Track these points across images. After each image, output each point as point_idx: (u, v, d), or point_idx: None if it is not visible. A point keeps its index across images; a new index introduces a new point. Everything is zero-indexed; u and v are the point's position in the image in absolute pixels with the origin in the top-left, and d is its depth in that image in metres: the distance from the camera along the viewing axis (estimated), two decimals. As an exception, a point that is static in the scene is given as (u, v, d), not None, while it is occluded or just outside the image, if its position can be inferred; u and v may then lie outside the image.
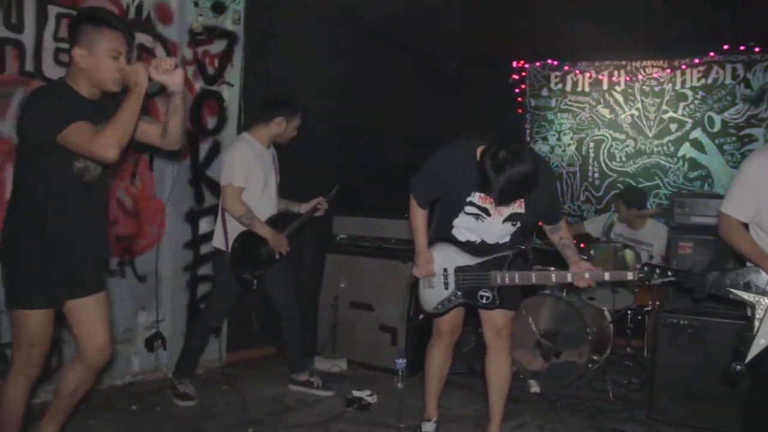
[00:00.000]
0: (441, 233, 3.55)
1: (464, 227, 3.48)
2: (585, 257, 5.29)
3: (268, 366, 5.16)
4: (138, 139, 2.90)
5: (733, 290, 3.03)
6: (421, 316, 3.74)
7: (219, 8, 4.80)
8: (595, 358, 5.10)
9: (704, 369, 4.15)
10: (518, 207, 3.36)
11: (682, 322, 4.26)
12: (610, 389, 4.81)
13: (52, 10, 3.94)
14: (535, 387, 4.92)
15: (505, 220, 3.41)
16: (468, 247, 3.50)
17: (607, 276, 3.46)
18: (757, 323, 2.93)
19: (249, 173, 4.19)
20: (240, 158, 4.16)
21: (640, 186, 6.72)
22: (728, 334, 4.09)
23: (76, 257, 2.84)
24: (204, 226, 4.88)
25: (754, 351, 2.92)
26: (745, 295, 2.99)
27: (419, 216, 3.56)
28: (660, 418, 4.28)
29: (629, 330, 5.67)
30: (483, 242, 3.49)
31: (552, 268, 5.57)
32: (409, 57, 6.66)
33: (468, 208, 3.39)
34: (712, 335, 4.17)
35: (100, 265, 3.06)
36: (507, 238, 3.51)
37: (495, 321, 3.63)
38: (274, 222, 4.35)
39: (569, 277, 3.40)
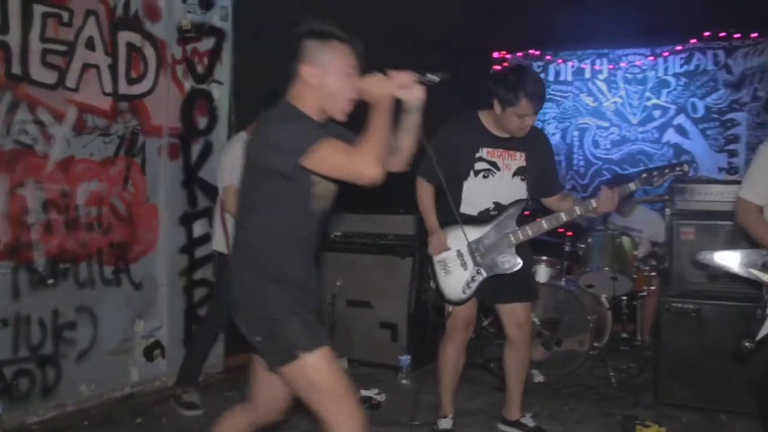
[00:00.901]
0: (447, 217, 3.50)
1: (477, 192, 3.47)
2: (582, 245, 5.34)
3: (268, 369, 5.06)
4: (327, 172, 2.30)
5: (751, 269, 3.04)
6: (448, 311, 3.64)
7: (207, 4, 4.67)
8: (595, 345, 5.13)
9: (708, 351, 4.19)
10: (522, 161, 3.50)
11: (685, 306, 4.29)
12: (612, 375, 4.84)
13: (38, 9, 3.78)
14: (538, 377, 4.92)
15: (514, 174, 3.50)
16: (476, 220, 3.47)
17: (632, 186, 3.41)
18: None
19: None
20: (240, 158, 4.05)
21: (625, 173, 6.78)
22: (730, 317, 4.15)
23: (309, 307, 2.40)
24: (198, 229, 4.76)
25: (766, 329, 2.94)
26: (763, 275, 3.00)
27: (428, 193, 3.57)
28: (666, 402, 4.32)
29: (625, 315, 5.72)
30: (497, 205, 3.48)
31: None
32: (395, 49, 6.59)
33: (478, 165, 3.46)
34: (715, 318, 4.21)
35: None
36: (518, 195, 3.52)
37: (516, 314, 3.64)
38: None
39: (578, 211, 3.43)
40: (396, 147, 2.48)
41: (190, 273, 4.76)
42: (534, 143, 3.56)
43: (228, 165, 4.08)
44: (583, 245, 5.34)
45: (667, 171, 3.42)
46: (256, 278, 2.31)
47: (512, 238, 3.43)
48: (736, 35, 6.44)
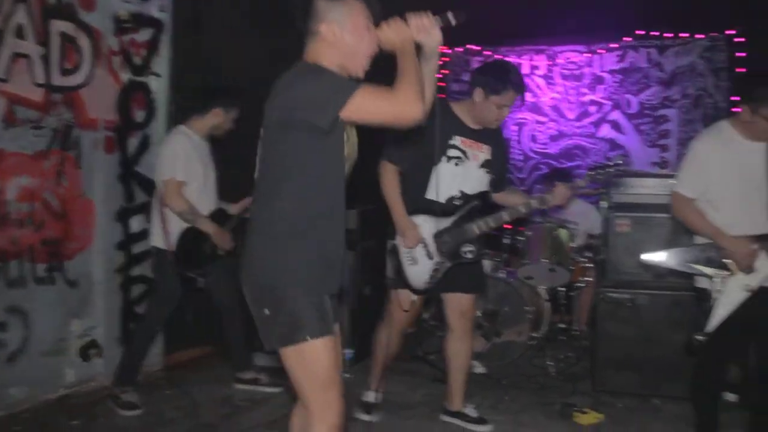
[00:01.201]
0: (414, 205, 3.56)
1: (446, 178, 3.52)
2: (521, 237, 5.44)
3: (209, 366, 4.98)
4: (369, 117, 2.19)
5: (695, 265, 3.16)
6: (414, 298, 3.69)
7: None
8: (533, 335, 5.23)
9: (643, 340, 4.35)
10: (488, 154, 3.64)
11: (620, 296, 4.43)
12: (551, 365, 4.95)
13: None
14: (479, 368, 4.99)
15: (481, 166, 3.61)
16: (443, 208, 3.55)
17: (582, 182, 3.77)
18: (716, 295, 3.07)
19: (189, 167, 4.03)
20: (180, 151, 4.00)
21: (563, 167, 6.92)
22: (664, 306, 4.32)
23: (335, 279, 2.33)
24: (135, 224, 4.64)
25: (715, 321, 3.06)
26: (707, 269, 3.12)
27: (395, 179, 3.56)
28: (604, 389, 4.46)
29: (563, 306, 5.85)
30: (463, 194, 3.58)
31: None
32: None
33: (451, 151, 3.52)
34: (649, 307, 4.38)
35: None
36: (481, 187, 3.64)
37: (462, 303, 3.75)
38: (215, 217, 4.21)
39: (535, 204, 3.67)
40: None
41: (128, 270, 4.63)
42: (497, 138, 3.73)
43: (167, 158, 4.00)
44: (521, 238, 5.43)
45: (609, 169, 3.65)
46: (285, 251, 2.22)
47: (476, 229, 3.55)
48: (668, 34, 6.65)
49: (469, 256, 3.57)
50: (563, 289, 5.68)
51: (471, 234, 3.55)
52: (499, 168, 3.76)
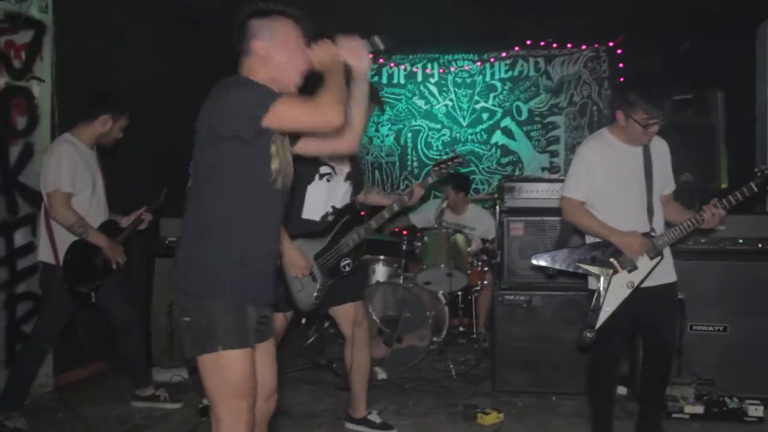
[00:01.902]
0: (295, 230, 3.51)
1: (319, 196, 3.55)
2: (419, 243, 5.52)
3: (102, 384, 4.78)
4: (290, 125, 2.27)
5: (581, 265, 3.29)
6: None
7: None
8: (434, 339, 5.31)
9: (539, 339, 4.50)
10: (349, 167, 3.69)
11: (516, 298, 4.56)
12: (452, 368, 5.03)
13: None
14: (381, 374, 5.01)
15: (345, 179, 3.66)
16: (320, 229, 3.56)
17: (430, 179, 3.95)
18: (603, 293, 3.22)
19: (76, 177, 3.84)
20: (66, 161, 3.79)
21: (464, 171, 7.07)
22: (558, 306, 4.48)
23: (266, 291, 2.38)
24: (19, 238, 4.36)
25: (602, 318, 3.21)
26: (592, 268, 3.27)
27: None
28: (504, 389, 4.57)
29: (461, 310, 5.98)
30: (334, 209, 3.63)
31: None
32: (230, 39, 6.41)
33: (322, 168, 3.55)
34: (544, 308, 4.52)
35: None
36: (348, 199, 3.71)
37: (349, 314, 3.77)
38: (106, 228, 4.03)
39: (396, 207, 3.81)
40: (347, 120, 2.37)
41: (12, 286, 4.34)
42: None
43: (52, 169, 3.79)
44: (419, 243, 5.51)
45: (450, 162, 3.93)
46: (209, 260, 2.24)
47: (351, 242, 3.60)
48: (554, 45, 6.95)
49: (348, 269, 3.62)
50: (461, 293, 5.81)
51: (347, 248, 3.60)
52: (358, 176, 3.84)
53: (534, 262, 3.46)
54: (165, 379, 4.82)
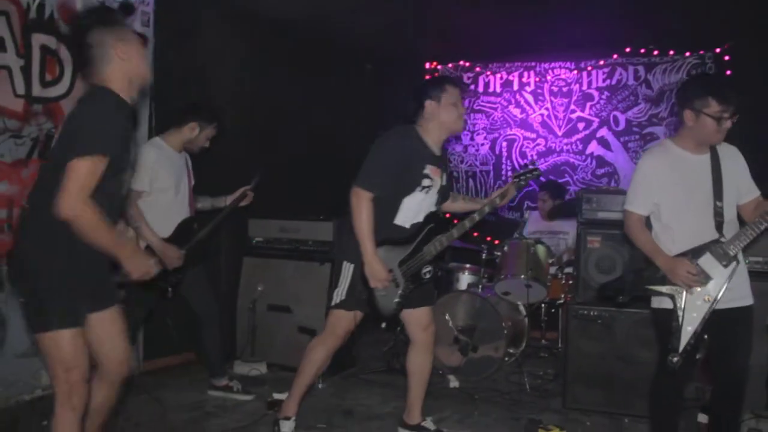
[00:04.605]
0: (381, 235, 3.51)
1: (414, 207, 3.56)
2: (498, 253, 5.47)
3: (187, 372, 5.08)
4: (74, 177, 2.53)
5: (650, 287, 3.16)
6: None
7: (127, 9, 4.66)
8: (511, 351, 5.23)
9: (614, 357, 4.32)
10: (444, 179, 3.66)
11: (591, 313, 4.42)
12: (527, 381, 4.94)
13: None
14: (454, 382, 5.01)
15: (438, 191, 3.63)
16: (407, 236, 3.59)
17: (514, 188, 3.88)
18: (680, 313, 3.07)
19: (156, 178, 4.09)
20: (146, 162, 4.05)
21: (561, 181, 6.93)
22: (635, 323, 4.29)
23: (99, 268, 2.76)
24: (116, 231, 4.73)
25: (684, 339, 3.05)
26: (664, 289, 3.12)
27: (371, 214, 3.43)
28: (574, 407, 4.43)
29: (543, 323, 5.85)
30: (422, 218, 3.62)
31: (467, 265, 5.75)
32: (326, 58, 6.65)
33: (425, 181, 3.53)
34: (620, 324, 4.34)
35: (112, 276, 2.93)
36: (433, 208, 3.68)
37: (421, 319, 3.78)
38: (189, 223, 4.27)
39: (488, 209, 3.73)
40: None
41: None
42: (446, 160, 3.78)
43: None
44: (499, 253, 5.45)
45: (529, 174, 3.87)
46: (46, 242, 2.58)
47: (433, 250, 3.62)
48: (655, 52, 6.66)
49: (428, 276, 3.66)
50: (544, 305, 5.69)
51: (429, 256, 3.62)
52: (448, 189, 3.82)
53: (602, 295, 3.37)
54: (244, 372, 5.06)
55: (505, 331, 5.06)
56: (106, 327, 2.80)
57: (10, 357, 4.15)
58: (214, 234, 4.46)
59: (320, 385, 4.82)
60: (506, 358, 5.18)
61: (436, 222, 3.68)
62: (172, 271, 4.13)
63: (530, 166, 3.86)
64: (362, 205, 3.43)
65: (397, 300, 3.60)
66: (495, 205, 3.79)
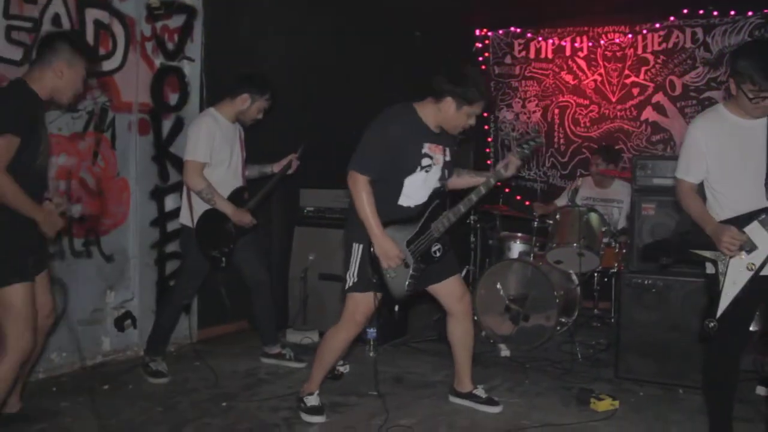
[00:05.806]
0: (387, 216, 3.45)
1: (417, 186, 3.50)
2: (551, 221, 5.41)
3: (241, 340, 5.20)
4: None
5: (695, 251, 3.09)
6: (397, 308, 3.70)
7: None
8: (563, 320, 5.20)
9: (668, 327, 4.25)
10: (447, 155, 3.58)
11: (645, 282, 4.34)
12: (578, 350, 4.90)
13: (2, -16, 3.86)
14: (505, 351, 5.01)
15: (442, 168, 3.55)
16: (412, 216, 3.53)
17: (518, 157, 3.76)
18: (721, 278, 3.00)
19: (214, 148, 4.15)
20: (204, 133, 4.11)
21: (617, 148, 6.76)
22: (690, 293, 4.20)
23: (38, 235, 3.16)
24: (170, 203, 4.85)
25: (723, 305, 2.98)
26: (708, 253, 3.06)
27: (371, 196, 3.38)
28: (626, 376, 4.39)
29: (596, 292, 5.78)
30: (426, 197, 3.56)
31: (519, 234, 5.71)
32: (374, 25, 6.61)
33: (425, 161, 3.46)
34: (675, 294, 4.26)
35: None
36: (437, 185, 3.59)
37: (453, 289, 3.77)
38: (239, 193, 4.32)
39: (492, 181, 3.66)
40: None
41: (162, 246, 4.85)
42: (449, 137, 3.63)
43: (192, 139, 4.12)
44: (551, 221, 5.39)
45: (532, 141, 3.79)
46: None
47: (440, 227, 3.57)
48: (715, 12, 6.40)
49: (438, 254, 3.60)
50: (597, 274, 5.62)
51: (437, 233, 3.56)
52: (452, 165, 3.69)
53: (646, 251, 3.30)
54: (296, 341, 5.15)
55: (557, 300, 5.02)
56: (41, 286, 3.28)
57: (73, 324, 4.31)
58: (263, 203, 4.51)
59: (371, 353, 4.87)
60: (558, 328, 5.15)
61: (441, 199, 3.61)
62: (224, 241, 4.21)
63: (532, 133, 3.77)
64: (360, 188, 3.36)
65: (408, 281, 3.54)
66: (501, 176, 3.71)
